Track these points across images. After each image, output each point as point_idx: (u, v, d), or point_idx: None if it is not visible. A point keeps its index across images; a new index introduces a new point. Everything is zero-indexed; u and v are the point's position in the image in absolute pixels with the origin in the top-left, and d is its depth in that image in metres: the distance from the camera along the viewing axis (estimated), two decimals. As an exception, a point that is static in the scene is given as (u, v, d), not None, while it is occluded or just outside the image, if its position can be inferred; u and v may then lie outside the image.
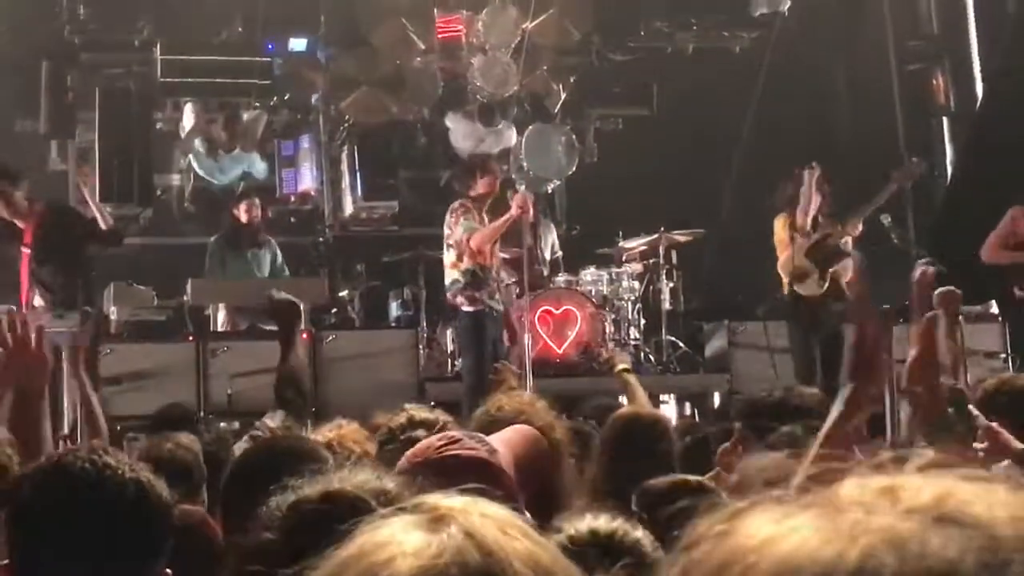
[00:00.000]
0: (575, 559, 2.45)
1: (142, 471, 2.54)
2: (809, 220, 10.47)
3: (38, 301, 10.02)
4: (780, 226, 10.59)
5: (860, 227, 10.58)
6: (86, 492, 2.46)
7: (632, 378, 7.22)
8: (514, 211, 10.05)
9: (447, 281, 10.17)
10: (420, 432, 3.38)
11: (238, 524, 2.47)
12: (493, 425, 3.50)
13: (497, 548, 1.08)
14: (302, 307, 5.96)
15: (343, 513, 1.92)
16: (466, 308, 10.06)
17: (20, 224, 10.32)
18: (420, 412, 3.74)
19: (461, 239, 9.98)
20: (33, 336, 3.67)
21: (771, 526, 0.91)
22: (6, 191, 10.17)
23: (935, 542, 0.86)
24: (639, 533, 2.62)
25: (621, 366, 7.42)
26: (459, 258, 10.07)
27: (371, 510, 1.92)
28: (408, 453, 2.92)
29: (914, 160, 10.63)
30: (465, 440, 2.90)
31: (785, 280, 10.57)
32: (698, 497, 3.48)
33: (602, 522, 2.60)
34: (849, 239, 10.56)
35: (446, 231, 10.15)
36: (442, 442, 2.87)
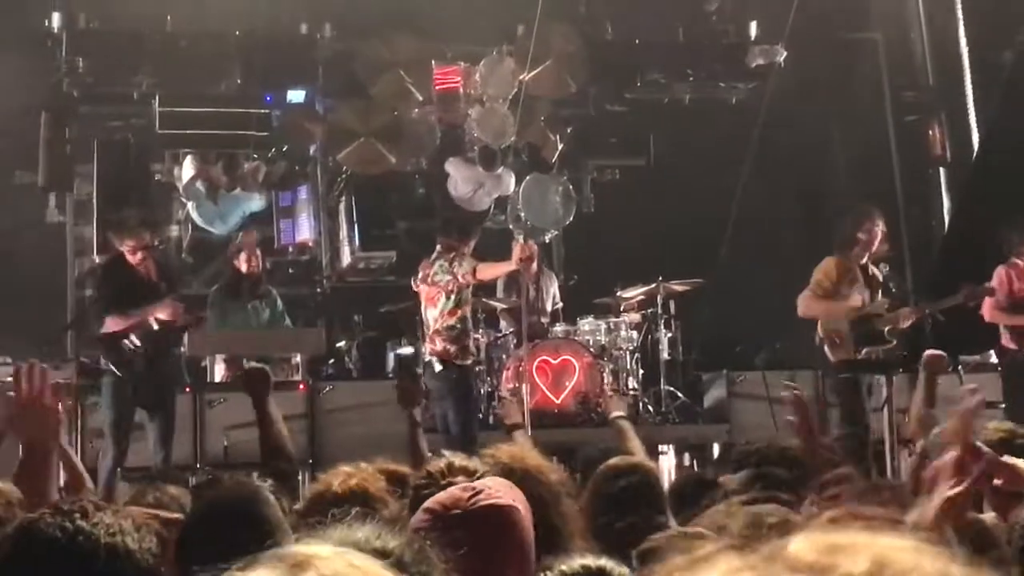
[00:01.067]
0: None
1: (122, 532, 2.41)
2: (862, 265, 10.15)
3: None
4: (830, 268, 10.17)
5: (911, 321, 10.15)
6: (56, 558, 2.34)
7: (627, 424, 7.16)
8: (514, 263, 10.15)
9: (440, 326, 10.14)
10: (460, 479, 3.36)
11: None
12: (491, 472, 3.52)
13: None
14: (270, 372, 5.97)
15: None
16: (460, 362, 10.09)
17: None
18: (458, 459, 3.70)
19: (464, 274, 9.99)
20: (48, 390, 3.59)
21: None
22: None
23: None
24: (626, 571, 2.64)
25: (615, 413, 7.36)
26: (458, 305, 10.11)
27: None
28: (433, 503, 2.90)
29: (988, 287, 10.41)
30: (487, 489, 2.91)
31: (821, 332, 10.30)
32: None
33: (591, 561, 2.63)
34: (894, 328, 10.15)
35: (444, 277, 10.15)
36: (468, 492, 2.88)
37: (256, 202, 13.03)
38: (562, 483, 3.77)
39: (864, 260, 10.14)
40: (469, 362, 10.24)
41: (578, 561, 2.59)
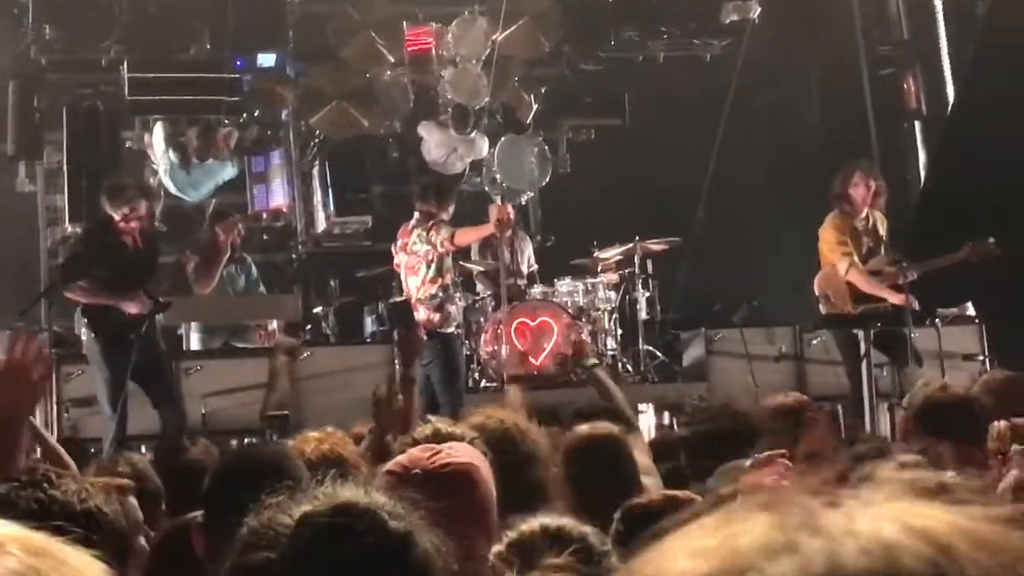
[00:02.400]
0: (522, 552, 2.47)
1: (92, 497, 2.40)
2: (861, 221, 10.11)
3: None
4: (835, 228, 10.11)
5: (911, 279, 9.99)
6: (37, 530, 2.33)
7: (601, 372, 7.12)
8: (492, 226, 10.14)
9: (422, 295, 10.11)
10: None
11: (223, 535, 2.38)
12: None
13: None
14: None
15: (357, 526, 1.85)
16: (446, 329, 10.08)
17: None
18: (444, 424, 3.69)
19: (442, 241, 9.97)
20: (35, 359, 3.52)
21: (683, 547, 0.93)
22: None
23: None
24: (587, 529, 2.65)
25: (590, 361, 7.31)
26: (439, 273, 10.09)
27: (383, 523, 1.86)
28: (393, 464, 2.96)
29: (991, 241, 10.32)
30: (448, 449, 2.97)
31: (819, 291, 10.28)
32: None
33: (551, 520, 2.65)
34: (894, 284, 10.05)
35: (423, 247, 10.12)
36: (428, 452, 2.93)
37: (229, 170, 12.92)
38: (542, 444, 3.75)
39: (864, 213, 10.11)
40: (452, 329, 10.24)
41: (539, 520, 2.59)
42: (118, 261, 9.38)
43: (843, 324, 10.24)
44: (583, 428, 4.95)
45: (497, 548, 2.60)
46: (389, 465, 2.98)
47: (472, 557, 2.60)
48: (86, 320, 9.43)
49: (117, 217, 9.42)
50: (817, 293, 10.33)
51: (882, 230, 10.26)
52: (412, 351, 6.69)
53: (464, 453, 3.01)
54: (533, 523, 2.61)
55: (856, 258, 9.99)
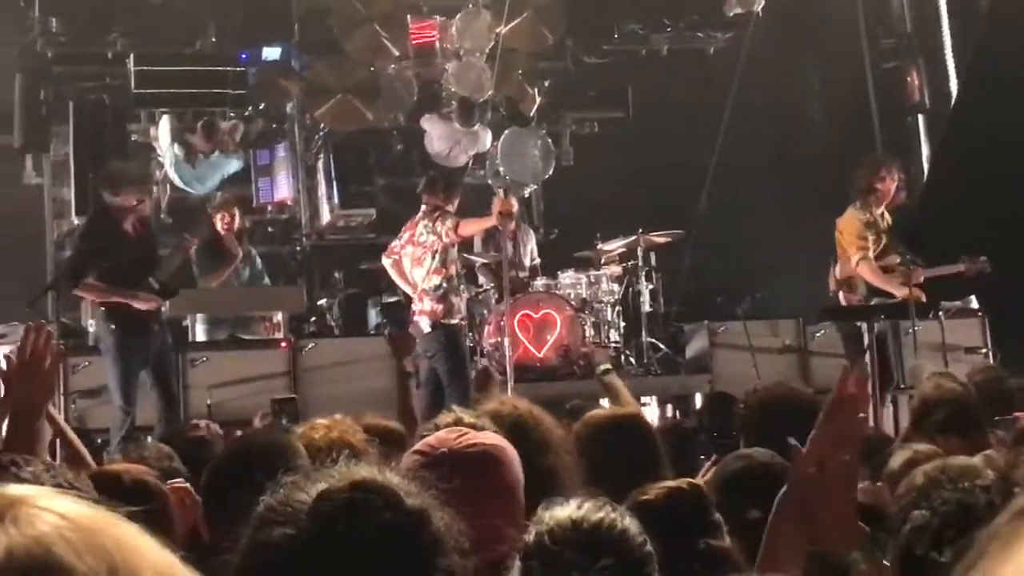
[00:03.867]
0: (548, 561, 2.41)
1: (63, 475, 2.45)
2: (880, 214, 10.07)
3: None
4: (856, 225, 10.04)
5: (919, 281, 9.97)
6: None
7: (615, 379, 7.14)
8: (494, 218, 10.17)
9: (427, 286, 10.15)
10: None
11: (222, 519, 2.42)
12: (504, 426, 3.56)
13: (24, 518, 1.07)
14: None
15: (375, 502, 1.89)
16: (450, 321, 10.11)
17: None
18: (467, 415, 3.72)
19: (447, 231, 10.01)
20: (48, 353, 3.56)
21: None
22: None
23: None
24: (627, 522, 2.48)
25: (602, 367, 7.31)
26: (443, 264, 10.13)
27: (399, 499, 1.90)
28: (422, 445, 2.96)
29: (983, 259, 10.33)
30: (474, 432, 2.99)
31: (835, 283, 10.26)
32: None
33: (587, 512, 2.46)
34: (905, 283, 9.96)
35: (429, 238, 10.16)
36: (456, 434, 2.95)
37: (234, 164, 12.97)
38: (556, 431, 3.78)
39: (881, 209, 10.12)
40: (456, 320, 10.25)
41: (570, 513, 2.46)
42: (123, 252, 9.36)
43: (847, 316, 10.27)
44: (603, 410, 4.95)
45: (521, 549, 2.48)
46: (417, 445, 2.99)
47: (498, 539, 2.57)
48: (104, 312, 9.42)
49: (121, 202, 9.39)
50: (834, 287, 10.30)
51: (887, 225, 10.27)
52: (401, 350, 6.73)
53: (491, 436, 3.04)
54: (563, 514, 2.46)
55: (870, 253, 10.01)
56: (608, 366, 7.38)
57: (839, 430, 2.47)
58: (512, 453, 2.96)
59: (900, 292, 9.85)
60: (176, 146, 12.68)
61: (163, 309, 9.74)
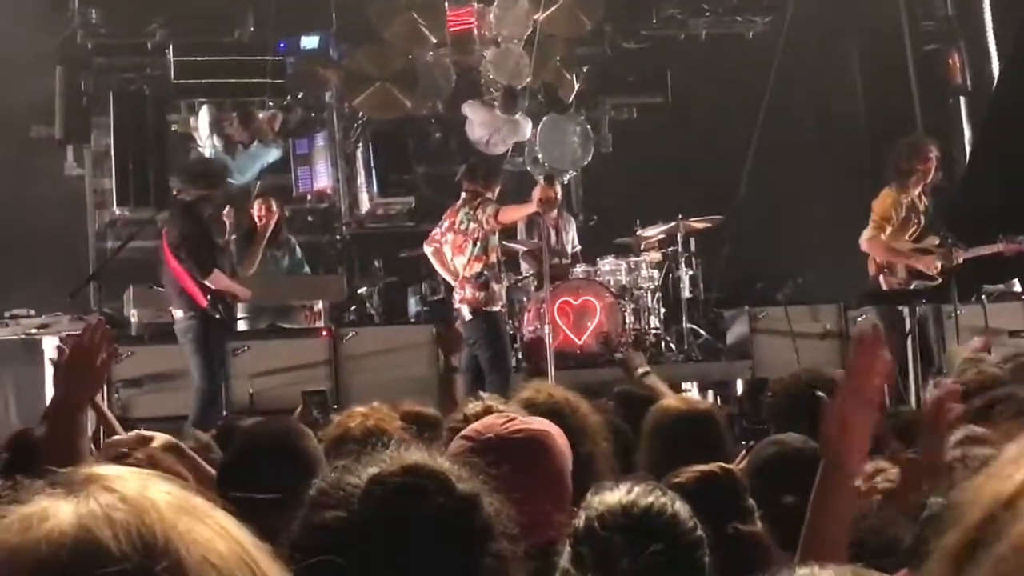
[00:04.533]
0: (598, 547, 2.41)
1: None
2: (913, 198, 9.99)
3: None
4: (890, 204, 9.97)
5: (959, 262, 9.97)
6: None
7: (654, 379, 7.03)
8: (534, 204, 10.15)
9: (468, 274, 10.15)
10: None
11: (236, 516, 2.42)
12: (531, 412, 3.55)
13: (141, 498, 1.07)
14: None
15: (428, 486, 1.90)
16: (491, 309, 10.12)
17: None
18: (495, 402, 3.74)
19: (488, 218, 10.00)
20: (102, 348, 3.58)
21: None
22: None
23: None
24: (678, 507, 2.48)
25: (641, 370, 7.17)
26: (484, 251, 10.13)
27: (451, 484, 1.91)
28: (469, 430, 2.99)
29: (1021, 239, 10.25)
30: (521, 418, 3.01)
31: (875, 267, 10.19)
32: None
33: (637, 496, 2.46)
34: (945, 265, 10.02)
35: (470, 225, 10.15)
36: (503, 419, 2.97)
37: (273, 153, 12.99)
38: (592, 418, 3.78)
39: (918, 190, 10.03)
40: (497, 308, 10.25)
41: (619, 498, 2.46)
42: (213, 243, 9.86)
43: (888, 300, 10.21)
44: (674, 402, 4.91)
45: (570, 535, 2.48)
46: (465, 431, 3.02)
47: (546, 523, 2.58)
48: (189, 301, 9.62)
49: (202, 196, 9.76)
50: (874, 271, 10.24)
51: (924, 206, 10.20)
52: (451, 347, 6.74)
53: (538, 421, 3.05)
54: (613, 499, 2.46)
55: (885, 234, 9.93)
56: (646, 368, 7.27)
57: (858, 390, 2.58)
58: (560, 439, 2.97)
59: (920, 264, 9.77)
60: (215, 137, 12.73)
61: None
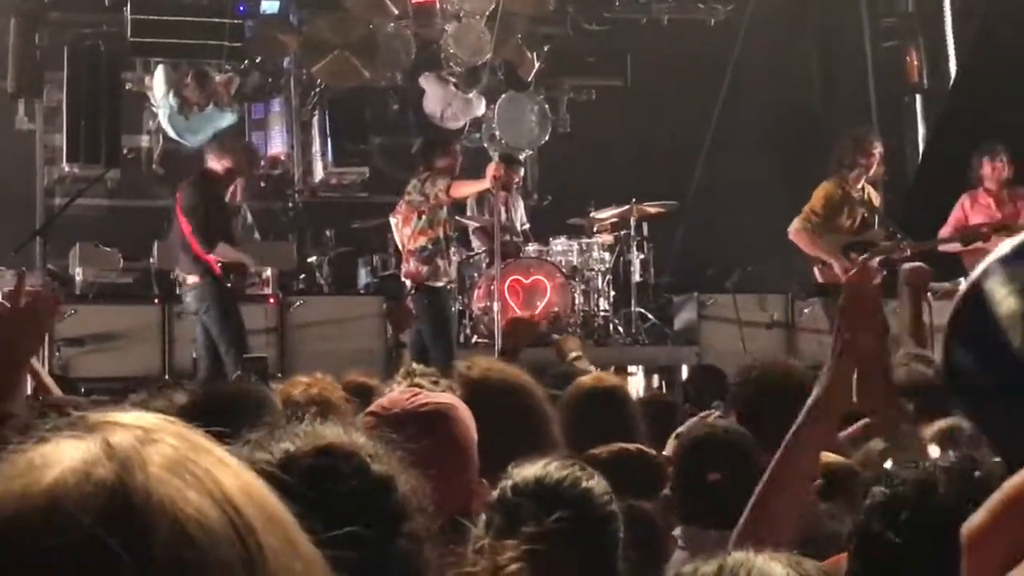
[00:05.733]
0: (507, 512, 2.46)
1: None
2: (857, 191, 9.96)
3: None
4: (826, 195, 9.95)
5: (904, 255, 9.80)
6: None
7: (585, 363, 7.11)
8: (488, 181, 10.11)
9: (412, 247, 10.08)
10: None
11: None
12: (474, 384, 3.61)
13: (136, 458, 1.01)
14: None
15: (341, 467, 1.87)
16: (434, 284, 10.04)
17: None
18: (420, 368, 3.78)
19: (437, 192, 9.91)
20: (45, 301, 3.50)
21: None
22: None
23: None
24: (592, 483, 2.56)
25: (572, 354, 7.25)
26: (430, 225, 10.04)
27: (366, 465, 1.88)
28: (375, 406, 3.04)
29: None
30: (426, 392, 3.06)
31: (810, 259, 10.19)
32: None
33: (552, 469, 2.54)
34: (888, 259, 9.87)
35: (417, 198, 10.07)
36: (408, 394, 3.02)
37: (228, 118, 12.85)
38: (537, 392, 3.80)
39: (861, 183, 10.07)
40: (442, 283, 10.16)
41: (535, 471, 2.53)
42: (225, 216, 9.85)
43: (836, 292, 10.24)
44: (587, 379, 5.04)
45: (484, 503, 2.57)
46: (371, 407, 3.07)
47: (455, 494, 2.65)
48: (204, 268, 9.49)
49: (229, 168, 9.75)
50: (809, 263, 10.30)
51: (876, 201, 10.25)
52: (401, 325, 6.76)
53: (443, 395, 3.11)
54: (529, 473, 2.54)
55: (810, 224, 9.93)
56: (578, 353, 7.32)
57: (857, 310, 2.75)
58: (464, 411, 3.00)
59: (834, 263, 9.77)
60: (171, 96, 12.60)
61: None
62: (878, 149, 10.08)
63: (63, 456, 1.01)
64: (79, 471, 0.99)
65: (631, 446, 3.89)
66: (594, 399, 4.72)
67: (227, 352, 9.35)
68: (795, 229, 10.00)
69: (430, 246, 10.06)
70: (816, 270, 10.22)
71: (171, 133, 12.72)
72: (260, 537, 1.02)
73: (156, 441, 1.03)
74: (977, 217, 10.50)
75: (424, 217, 10.04)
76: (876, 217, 10.18)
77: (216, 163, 9.78)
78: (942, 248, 10.32)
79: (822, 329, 10.64)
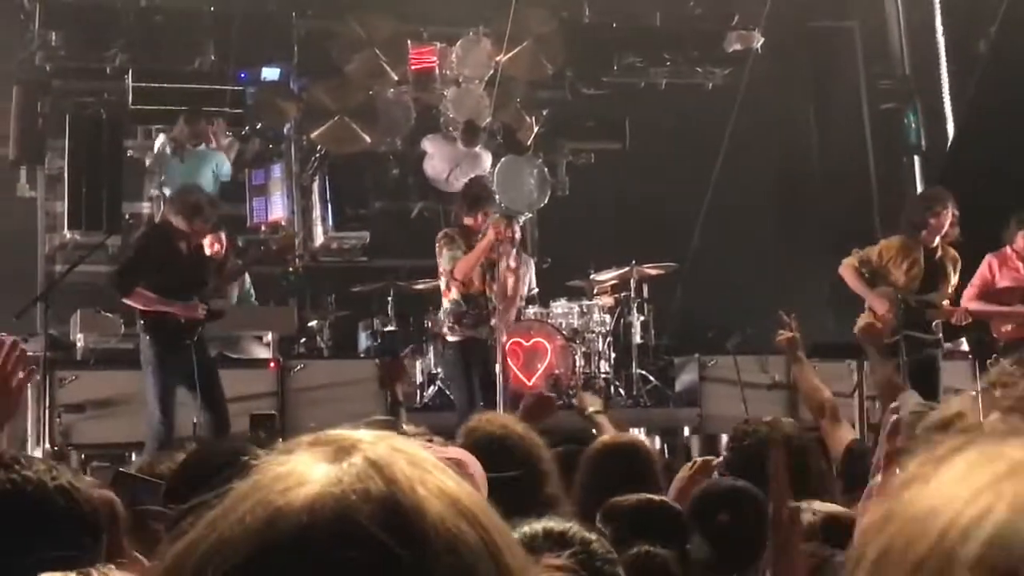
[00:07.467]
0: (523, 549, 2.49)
1: (62, 475, 2.47)
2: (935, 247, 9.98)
3: None
4: (890, 245, 10.03)
5: (964, 322, 10.09)
6: (10, 508, 2.38)
7: (603, 419, 7.08)
8: (490, 234, 10.03)
9: (445, 304, 10.18)
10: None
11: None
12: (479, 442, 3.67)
13: (402, 477, 1.04)
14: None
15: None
16: (450, 338, 10.09)
17: None
18: (412, 428, 3.78)
19: (446, 270, 9.99)
20: (20, 370, 3.47)
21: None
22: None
23: None
24: (592, 536, 2.66)
25: (591, 408, 7.24)
26: (448, 287, 10.09)
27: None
28: None
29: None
30: (436, 445, 3.10)
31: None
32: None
33: (555, 523, 2.66)
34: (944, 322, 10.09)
35: (438, 260, 10.16)
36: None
37: (223, 159, 12.72)
38: (543, 450, 3.83)
39: (934, 243, 10.02)
40: (458, 338, 10.13)
41: (543, 523, 2.61)
42: (175, 268, 9.37)
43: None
44: (605, 437, 5.05)
45: None
46: None
47: None
48: (145, 324, 9.35)
49: (185, 228, 9.38)
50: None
51: (951, 268, 10.11)
52: (387, 379, 6.75)
53: (454, 450, 3.12)
54: (536, 526, 2.63)
55: (856, 260, 9.97)
56: (598, 408, 7.30)
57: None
58: (474, 466, 3.00)
59: (877, 308, 9.81)
60: (166, 146, 12.58)
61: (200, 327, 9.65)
62: (948, 209, 10.03)
63: (317, 475, 1.05)
64: (358, 488, 1.03)
65: (655, 496, 3.91)
66: (616, 455, 4.74)
67: (148, 421, 9.22)
68: (846, 264, 10.03)
69: (449, 307, 10.13)
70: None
71: (169, 191, 12.69)
72: (507, 558, 1.06)
73: (422, 469, 1.07)
74: (1004, 280, 10.50)
75: (442, 280, 10.14)
76: (948, 286, 10.10)
77: (169, 215, 9.69)
78: (982, 308, 10.31)
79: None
